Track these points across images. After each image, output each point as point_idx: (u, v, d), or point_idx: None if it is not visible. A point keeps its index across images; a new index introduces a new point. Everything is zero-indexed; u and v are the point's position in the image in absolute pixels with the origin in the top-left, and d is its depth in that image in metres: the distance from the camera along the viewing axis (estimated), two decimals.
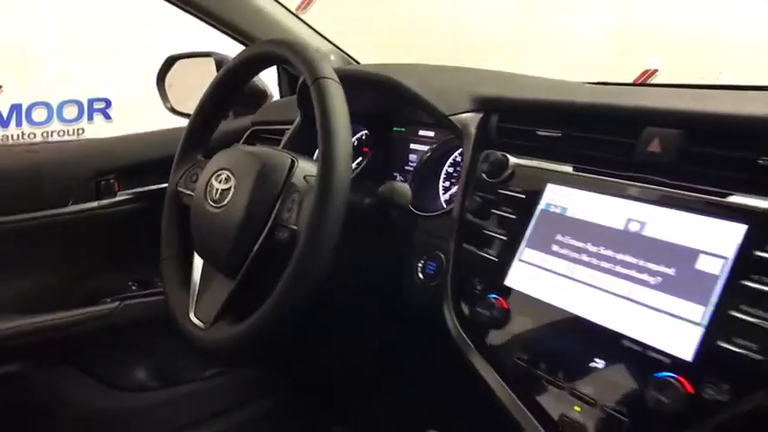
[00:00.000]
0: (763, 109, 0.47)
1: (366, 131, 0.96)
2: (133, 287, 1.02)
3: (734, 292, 0.42)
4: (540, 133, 0.62)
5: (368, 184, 0.72)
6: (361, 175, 0.91)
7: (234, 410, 1.11)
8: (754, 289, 0.41)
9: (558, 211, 0.56)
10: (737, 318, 0.41)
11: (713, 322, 0.42)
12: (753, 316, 0.41)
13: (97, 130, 2.71)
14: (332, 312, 0.83)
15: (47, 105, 2.71)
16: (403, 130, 0.91)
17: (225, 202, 0.67)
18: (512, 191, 0.61)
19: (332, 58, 1.11)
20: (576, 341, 0.50)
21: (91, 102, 2.73)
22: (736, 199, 0.45)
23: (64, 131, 2.71)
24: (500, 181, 0.62)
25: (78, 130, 2.74)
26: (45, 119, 2.71)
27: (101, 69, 2.62)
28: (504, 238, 0.59)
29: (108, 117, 2.78)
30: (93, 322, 0.97)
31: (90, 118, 2.76)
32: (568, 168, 0.57)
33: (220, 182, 0.69)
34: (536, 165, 0.60)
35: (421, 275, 0.70)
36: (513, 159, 0.62)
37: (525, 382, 0.52)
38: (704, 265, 0.44)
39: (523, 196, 0.60)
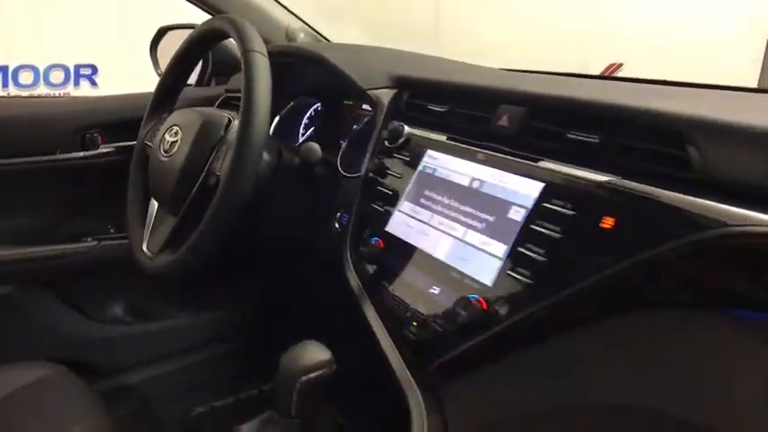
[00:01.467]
0: (587, 95, 0.58)
1: (319, 104, 1.08)
2: (111, 230, 1.15)
3: (525, 234, 0.54)
4: (431, 108, 0.73)
5: (312, 147, 0.84)
6: (308, 139, 1.03)
7: (200, 349, 1.25)
8: (537, 231, 0.53)
9: (430, 171, 0.68)
10: (522, 253, 0.53)
11: (508, 256, 0.54)
12: (532, 251, 0.52)
13: (83, 95, 2.86)
14: (270, 254, 0.95)
15: (33, 69, 2.85)
16: (351, 103, 1.03)
17: (172, 152, 0.80)
18: (402, 155, 0.73)
19: (301, 35, 1.23)
20: (423, 273, 0.62)
21: (78, 67, 2.88)
22: (542, 163, 0.56)
23: (50, 96, 2.85)
24: (395, 147, 0.74)
25: (64, 94, 2.87)
26: (32, 82, 2.86)
27: (89, 36, 2.75)
28: (391, 193, 0.71)
29: (94, 83, 2.93)
30: (74, 257, 1.11)
31: (76, 83, 2.91)
32: (443, 137, 0.69)
33: (171, 135, 0.82)
34: (423, 134, 0.72)
35: (337, 225, 0.82)
36: (407, 129, 0.74)
37: (385, 306, 0.65)
38: (513, 213, 0.56)
39: (409, 159, 0.71)
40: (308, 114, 1.11)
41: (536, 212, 0.54)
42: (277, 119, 1.10)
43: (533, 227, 0.53)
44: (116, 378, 1.16)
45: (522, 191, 0.56)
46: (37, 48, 2.81)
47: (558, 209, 0.52)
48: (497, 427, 0.53)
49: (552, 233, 0.51)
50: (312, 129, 1.07)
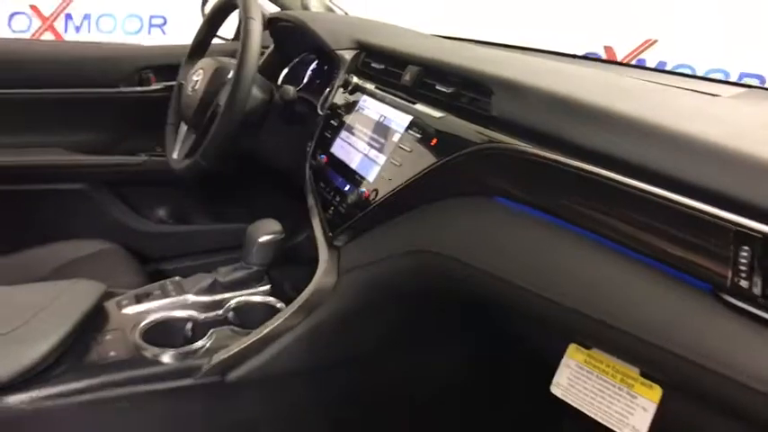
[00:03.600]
0: (452, 59, 0.84)
1: (317, 60, 1.38)
2: (158, 149, 1.51)
3: (393, 149, 0.82)
4: (374, 65, 1.02)
5: (287, 88, 1.15)
6: (305, 87, 1.33)
7: (220, 250, 1.60)
8: (399, 147, 0.81)
9: (361, 110, 0.97)
10: (390, 161, 0.82)
11: (383, 164, 0.83)
12: (394, 160, 0.81)
13: (154, 42, 3.23)
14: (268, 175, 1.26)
15: (113, 17, 3.27)
16: None
17: (195, 88, 1.13)
18: (347, 99, 1.02)
19: (313, 3, 1.52)
20: (343, 177, 0.92)
21: (151, 17, 3.28)
22: (416, 105, 0.84)
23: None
24: (346, 92, 1.03)
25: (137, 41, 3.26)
26: (111, 29, 3.27)
27: None
28: (336, 125, 1.01)
29: (164, 32, 3.31)
30: (130, 167, 1.48)
31: (149, 32, 3.30)
32: (373, 87, 0.98)
33: (196, 75, 1.14)
34: (365, 84, 1.01)
35: (308, 149, 1.13)
36: (355, 80, 1.03)
37: (321, 198, 0.95)
38: (393, 137, 0.84)
39: (351, 102, 1.01)
40: (311, 67, 1.41)
41: (402, 136, 0.83)
42: (286, 70, 1.40)
43: (399, 145, 0.82)
44: (156, 264, 1.52)
45: (400, 122, 0.85)
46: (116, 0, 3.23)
47: (413, 133, 0.80)
48: (369, 264, 0.83)
49: (405, 149, 0.80)
50: (307, 78, 1.37)
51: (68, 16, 3.32)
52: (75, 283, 0.85)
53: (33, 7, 3.34)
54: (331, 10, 1.57)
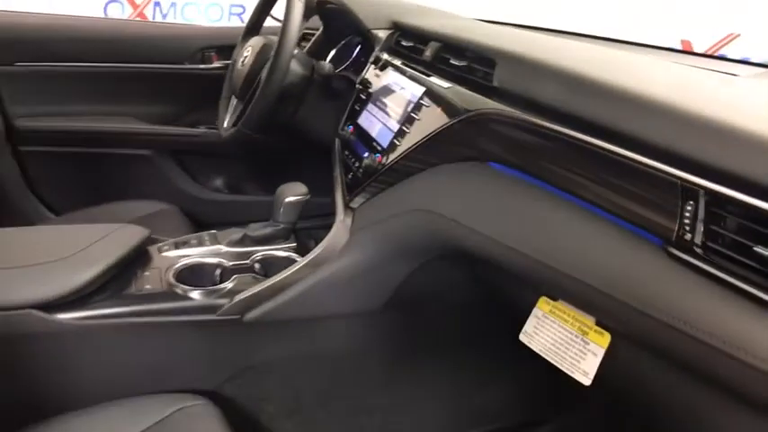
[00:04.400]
0: (470, 36, 0.89)
1: (362, 42, 1.45)
2: (216, 122, 1.64)
3: (405, 117, 0.88)
4: (404, 43, 1.08)
5: (323, 64, 1.23)
6: (348, 66, 1.41)
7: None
8: (410, 115, 0.87)
9: (386, 84, 1.03)
10: (401, 128, 0.88)
11: (396, 130, 0.89)
12: (405, 127, 0.87)
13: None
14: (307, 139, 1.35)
15: (196, 5, 3.48)
16: None
17: (244, 63, 1.23)
18: (376, 74, 1.08)
19: None
20: (364, 145, 0.99)
21: (231, 6, 3.47)
22: (431, 78, 0.90)
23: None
24: (376, 68, 1.10)
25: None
26: (194, 16, 3.50)
27: None
28: (365, 98, 1.08)
29: (242, 20, 3.50)
30: (191, 137, 1.61)
31: (228, 19, 3.50)
32: (399, 63, 1.04)
33: (246, 52, 1.24)
34: (393, 61, 1.07)
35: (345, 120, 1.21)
36: (385, 56, 1.09)
37: (344, 165, 1.03)
38: (407, 106, 0.90)
39: (379, 77, 1.07)
40: (356, 49, 1.48)
41: (414, 105, 0.88)
42: (334, 51, 1.48)
43: (411, 114, 0.88)
44: (207, 229, 1.65)
45: (415, 93, 0.90)
46: None
47: (423, 103, 0.86)
48: (377, 223, 0.90)
49: (415, 117, 0.86)
50: (353, 59, 1.44)
51: (157, 4, 3.57)
52: (123, 227, 0.97)
53: None
54: None
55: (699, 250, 0.50)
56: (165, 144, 1.60)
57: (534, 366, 1.11)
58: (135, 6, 3.70)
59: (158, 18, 3.63)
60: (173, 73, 1.58)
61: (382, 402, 1.07)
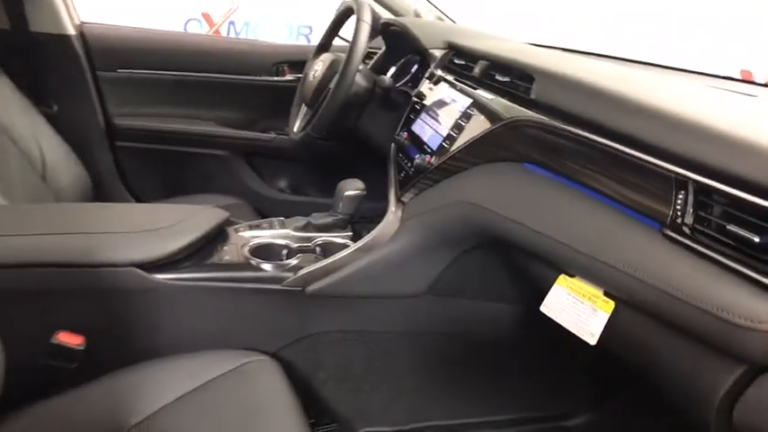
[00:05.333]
0: (513, 56, 1.02)
1: (419, 59, 1.60)
2: (285, 129, 1.81)
3: (454, 124, 1.01)
4: (456, 62, 1.21)
5: (383, 78, 1.38)
6: (406, 82, 1.55)
7: None
8: (458, 122, 1.00)
9: (439, 96, 1.17)
10: (450, 133, 1.01)
11: (445, 135, 1.03)
12: (453, 132, 1.00)
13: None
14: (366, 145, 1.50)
15: (268, 25, 3.75)
16: None
17: (316, 76, 1.40)
18: (431, 88, 1.22)
19: (424, 13, 1.74)
20: (416, 148, 1.13)
21: (299, 27, 3.72)
22: (478, 91, 1.03)
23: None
24: (431, 83, 1.24)
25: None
26: (265, 35, 3.75)
27: (311, 2, 3.55)
28: (419, 108, 1.22)
29: (308, 40, 3.73)
30: (261, 141, 1.80)
31: (296, 40, 3.74)
32: (452, 78, 1.17)
33: (317, 66, 1.41)
34: (446, 76, 1.20)
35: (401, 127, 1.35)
36: (439, 72, 1.23)
37: (397, 164, 1.17)
38: (456, 115, 1.03)
39: (433, 90, 1.21)
40: (415, 66, 1.63)
41: (462, 114, 1.02)
42: (394, 68, 1.64)
43: (458, 121, 1.01)
44: None
45: (463, 103, 1.04)
46: (272, 11, 3.74)
47: (469, 112, 0.99)
48: (424, 213, 1.03)
49: (461, 123, 0.99)
50: (410, 74, 1.59)
51: (231, 23, 3.87)
52: (208, 208, 1.13)
53: (205, 15, 3.93)
54: (441, 19, 1.79)
55: (688, 231, 0.60)
56: (239, 146, 1.79)
57: (567, 362, 1.21)
58: (212, 24, 4.00)
59: (232, 35, 3.92)
60: (250, 84, 1.78)
61: (420, 381, 1.19)
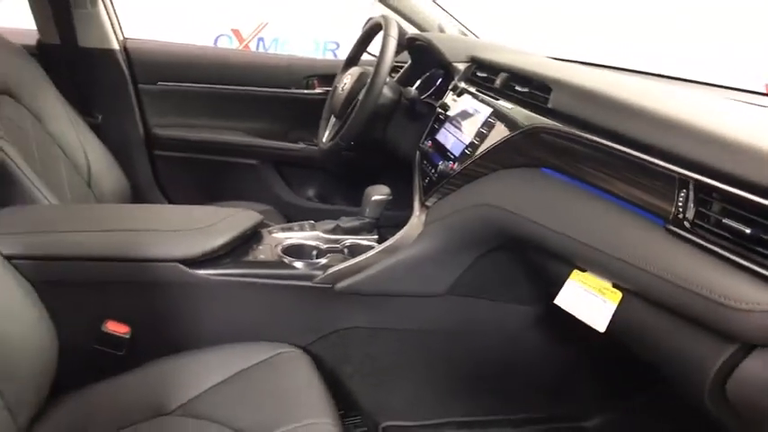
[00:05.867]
0: (532, 68, 1.08)
1: (444, 73, 1.67)
2: (314, 140, 1.90)
3: (476, 133, 1.08)
4: (479, 74, 1.28)
5: (408, 89, 1.45)
6: (429, 95, 1.63)
7: None
8: (479, 130, 1.07)
9: (462, 107, 1.24)
10: (472, 141, 1.08)
11: (467, 143, 1.09)
12: (475, 140, 1.07)
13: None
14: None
15: (296, 40, 3.87)
16: None
17: (345, 88, 1.48)
18: (454, 99, 1.29)
19: (448, 28, 1.82)
20: (440, 155, 1.19)
21: (326, 43, 3.84)
22: (499, 101, 1.09)
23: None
24: (454, 94, 1.31)
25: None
26: (293, 51, 3.87)
27: (337, 19, 3.66)
28: (443, 118, 1.29)
29: (335, 56, 3.84)
30: (291, 151, 1.88)
31: (323, 55, 3.86)
32: (474, 90, 1.24)
33: (346, 79, 1.50)
34: (468, 88, 1.27)
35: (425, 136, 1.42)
36: (462, 84, 1.30)
37: (422, 171, 1.24)
38: (478, 124, 1.10)
39: (457, 101, 1.28)
40: (439, 79, 1.70)
41: (483, 122, 1.08)
42: (419, 80, 1.71)
43: (480, 129, 1.08)
44: None
45: (485, 113, 1.10)
46: (300, 27, 3.88)
47: (491, 120, 1.06)
48: (450, 215, 1.09)
49: (483, 132, 1.06)
50: (434, 87, 1.66)
51: (261, 39, 4.00)
52: (244, 211, 1.21)
53: (235, 31, 4.07)
54: (464, 33, 1.87)
55: (689, 226, 0.66)
56: (269, 156, 1.88)
57: (583, 362, 1.26)
58: (241, 40, 4.15)
59: (261, 50, 4.05)
60: (281, 96, 1.87)
61: (440, 378, 1.24)
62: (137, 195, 1.78)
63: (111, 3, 1.78)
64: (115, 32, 1.77)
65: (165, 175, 1.88)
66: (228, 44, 4.09)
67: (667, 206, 0.69)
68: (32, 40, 1.75)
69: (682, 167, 0.67)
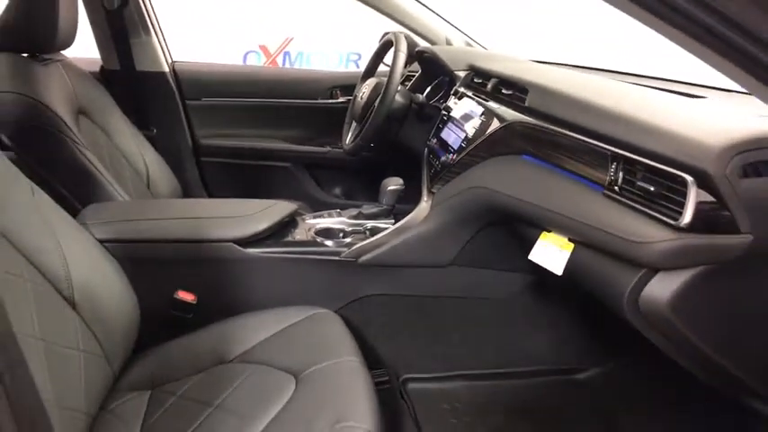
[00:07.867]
0: (517, 74, 1.31)
1: (449, 80, 1.90)
2: (339, 143, 2.15)
3: (470, 130, 1.31)
4: (476, 80, 1.51)
5: (415, 95, 1.69)
6: (437, 99, 1.86)
7: None
8: (473, 127, 1.30)
9: (462, 109, 1.47)
10: (467, 136, 1.31)
11: (464, 138, 1.33)
12: (469, 134, 1.30)
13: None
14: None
15: (321, 54, 4.14)
16: None
17: (363, 97, 1.72)
18: (455, 102, 1.53)
19: (456, 41, 2.05)
20: (444, 150, 1.43)
21: (348, 54, 4.10)
22: (489, 103, 1.32)
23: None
24: (455, 98, 1.54)
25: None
26: (317, 63, 4.14)
27: (360, 32, 3.90)
28: (446, 119, 1.52)
29: (357, 66, 4.09)
30: (317, 154, 2.14)
31: (346, 66, 4.12)
32: (471, 93, 1.47)
33: (364, 88, 1.74)
34: (467, 92, 1.50)
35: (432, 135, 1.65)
36: (462, 89, 1.53)
37: (429, 163, 1.47)
38: (474, 123, 1.33)
39: (457, 104, 1.51)
40: (446, 87, 1.94)
41: (476, 120, 1.32)
42: (429, 87, 1.95)
43: (473, 126, 1.31)
44: None
45: (478, 113, 1.34)
46: (324, 40, 4.15)
47: (482, 119, 1.29)
48: (451, 197, 1.32)
49: (476, 128, 1.29)
50: (442, 93, 1.90)
51: (287, 53, 4.30)
52: (282, 201, 1.47)
53: (262, 47, 4.37)
54: (469, 44, 2.10)
55: (618, 190, 0.88)
56: (301, 159, 2.14)
57: (577, 321, 1.47)
58: (268, 55, 4.44)
59: (287, 64, 4.35)
60: (309, 106, 2.13)
61: (450, 336, 1.47)
62: (186, 195, 2.05)
63: (161, 30, 2.06)
64: (165, 56, 2.05)
65: (209, 177, 2.15)
66: (257, 60, 4.38)
67: (604, 176, 0.91)
68: (95, 67, 2.04)
69: (614, 147, 0.90)
